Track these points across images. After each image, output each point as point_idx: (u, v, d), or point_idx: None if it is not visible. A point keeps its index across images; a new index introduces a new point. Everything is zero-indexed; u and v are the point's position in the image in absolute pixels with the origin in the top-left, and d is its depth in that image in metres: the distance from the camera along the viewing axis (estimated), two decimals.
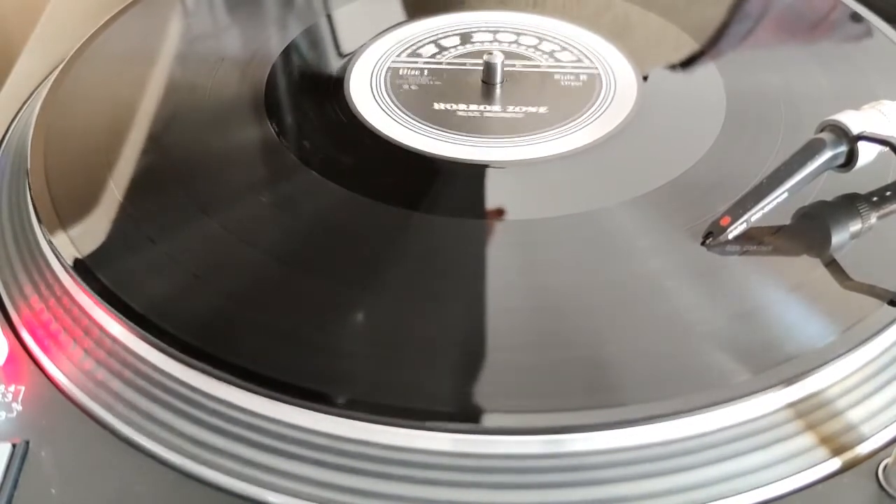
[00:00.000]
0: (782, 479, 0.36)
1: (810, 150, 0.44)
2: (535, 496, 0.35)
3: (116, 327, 0.40)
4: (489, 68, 0.54)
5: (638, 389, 0.37)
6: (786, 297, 0.41)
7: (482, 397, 0.37)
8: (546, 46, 0.58)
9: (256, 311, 0.41)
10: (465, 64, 0.56)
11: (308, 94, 0.55)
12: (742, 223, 0.43)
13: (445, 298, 0.41)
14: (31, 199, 0.46)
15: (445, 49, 0.58)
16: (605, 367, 0.38)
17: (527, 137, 0.50)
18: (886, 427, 0.38)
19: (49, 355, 0.41)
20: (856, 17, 0.60)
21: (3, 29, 0.80)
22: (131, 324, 0.39)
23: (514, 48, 0.58)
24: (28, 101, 0.56)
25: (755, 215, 0.43)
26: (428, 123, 0.51)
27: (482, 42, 0.58)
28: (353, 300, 0.41)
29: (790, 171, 0.43)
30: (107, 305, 0.40)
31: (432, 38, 0.59)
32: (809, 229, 0.44)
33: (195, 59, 0.57)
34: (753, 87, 0.53)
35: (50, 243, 0.44)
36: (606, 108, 0.52)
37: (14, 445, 0.37)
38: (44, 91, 0.54)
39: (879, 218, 0.44)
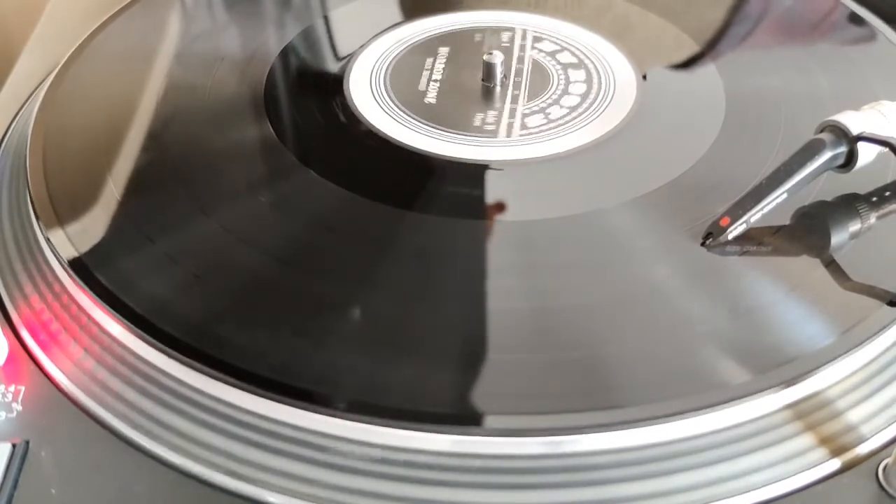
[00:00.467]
0: (782, 479, 0.36)
1: (810, 151, 0.44)
2: (534, 497, 0.35)
3: (116, 327, 0.40)
4: (489, 68, 0.54)
5: (638, 390, 0.37)
6: (785, 297, 0.41)
7: (481, 398, 0.37)
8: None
9: (256, 310, 0.41)
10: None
11: (307, 94, 0.55)
12: (742, 224, 0.43)
13: (445, 299, 0.41)
14: (31, 198, 0.46)
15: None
16: (604, 368, 0.38)
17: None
18: (886, 427, 0.38)
19: (49, 355, 0.41)
20: (855, 18, 0.60)
21: (3, 29, 0.80)
22: (131, 324, 0.39)
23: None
24: (28, 101, 0.56)
25: (755, 216, 0.43)
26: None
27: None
28: (353, 300, 0.41)
29: (790, 172, 0.43)
30: (106, 305, 0.40)
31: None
32: (809, 230, 0.44)
33: (194, 59, 0.57)
34: (753, 87, 0.53)
35: (49, 243, 0.44)
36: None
37: (14, 445, 0.37)
38: (43, 90, 0.54)
39: (879, 218, 0.44)
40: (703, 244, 0.43)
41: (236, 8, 0.63)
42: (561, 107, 0.53)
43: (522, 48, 0.58)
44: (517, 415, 0.36)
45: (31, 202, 0.46)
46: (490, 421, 0.36)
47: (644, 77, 0.55)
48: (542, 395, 0.37)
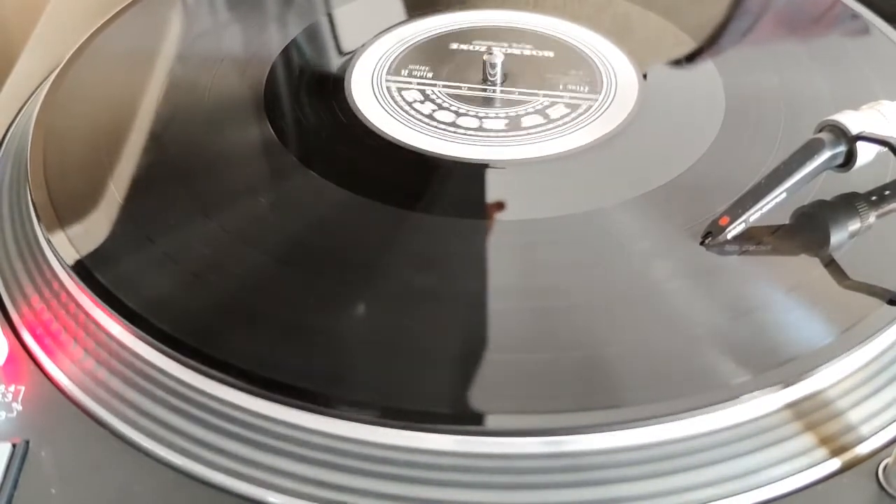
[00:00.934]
0: (782, 479, 0.36)
1: (809, 150, 0.44)
2: (535, 496, 0.35)
3: (116, 327, 0.40)
4: (489, 67, 0.54)
5: (638, 390, 0.37)
6: (785, 296, 0.41)
7: (482, 398, 0.37)
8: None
9: (256, 310, 0.41)
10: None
11: (308, 94, 0.55)
12: (741, 223, 0.43)
13: (445, 298, 0.41)
14: (31, 198, 0.46)
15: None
16: (604, 368, 0.38)
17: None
18: (886, 427, 0.38)
19: (49, 355, 0.41)
20: (855, 17, 0.60)
21: (3, 29, 0.80)
22: (131, 324, 0.39)
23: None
24: (28, 101, 0.56)
25: (754, 215, 0.43)
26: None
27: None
28: (354, 300, 0.41)
29: (789, 171, 0.43)
30: (106, 305, 0.40)
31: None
32: (808, 229, 0.44)
33: (195, 59, 0.57)
34: (753, 87, 0.53)
35: (50, 243, 0.44)
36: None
37: (14, 445, 0.37)
38: (44, 91, 0.54)
39: (878, 217, 0.44)
40: (702, 243, 0.43)
41: (237, 7, 0.63)
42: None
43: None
44: (517, 414, 0.36)
45: (32, 202, 0.46)
46: (490, 420, 0.36)
47: (644, 76, 0.55)
48: (542, 395, 0.37)
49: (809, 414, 0.37)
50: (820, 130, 0.45)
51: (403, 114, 0.52)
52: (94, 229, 0.45)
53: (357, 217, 0.45)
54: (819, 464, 0.36)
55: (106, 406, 0.39)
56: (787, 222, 0.44)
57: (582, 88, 0.54)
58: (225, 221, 0.45)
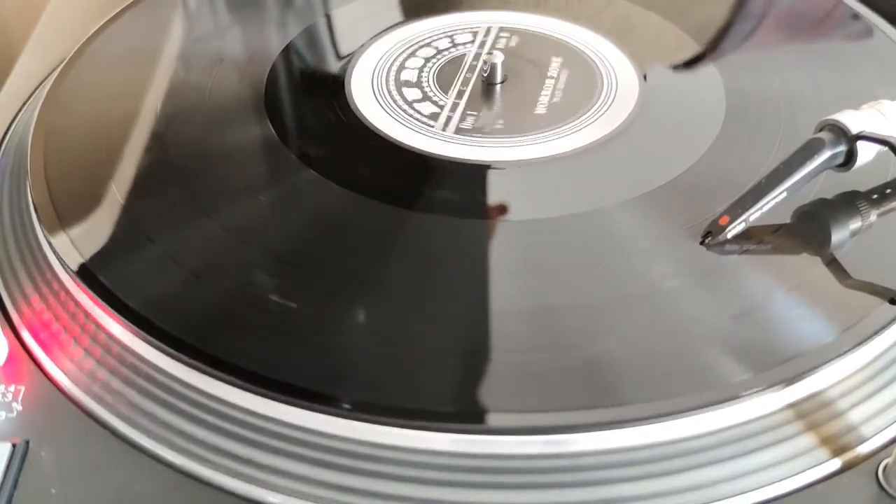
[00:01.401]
0: (782, 479, 0.36)
1: (809, 150, 0.44)
2: (535, 496, 0.35)
3: (117, 327, 0.40)
4: (490, 68, 0.54)
5: (638, 389, 0.37)
6: (786, 296, 0.41)
7: (482, 397, 0.37)
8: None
9: (256, 311, 0.41)
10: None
11: (308, 94, 0.55)
12: (741, 222, 0.43)
13: (446, 298, 0.41)
14: (32, 198, 0.46)
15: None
16: (605, 367, 0.38)
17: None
18: (886, 427, 0.38)
19: (49, 355, 0.41)
20: (856, 17, 0.60)
21: (3, 29, 0.80)
22: (131, 324, 0.39)
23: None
24: (28, 101, 0.56)
25: (754, 214, 0.43)
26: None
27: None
28: (354, 300, 0.41)
29: (789, 171, 0.43)
30: (107, 305, 0.40)
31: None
32: (809, 228, 0.44)
33: (195, 59, 0.57)
34: (753, 86, 0.53)
35: (50, 243, 0.44)
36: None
37: (14, 445, 0.37)
38: (44, 91, 0.54)
39: (879, 216, 0.44)
40: (702, 243, 0.43)
41: (237, 8, 0.63)
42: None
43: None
44: (517, 413, 0.36)
45: (32, 202, 0.46)
46: (490, 420, 0.36)
47: (645, 77, 0.55)
48: (542, 394, 0.37)
49: (810, 414, 0.37)
50: (820, 130, 0.45)
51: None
52: (95, 229, 0.45)
53: (357, 217, 0.45)
54: (819, 464, 0.36)
55: (106, 406, 0.39)
56: (787, 221, 0.44)
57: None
58: (225, 221, 0.45)
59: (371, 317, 0.41)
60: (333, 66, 0.57)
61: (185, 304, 0.41)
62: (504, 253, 0.44)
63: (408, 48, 0.58)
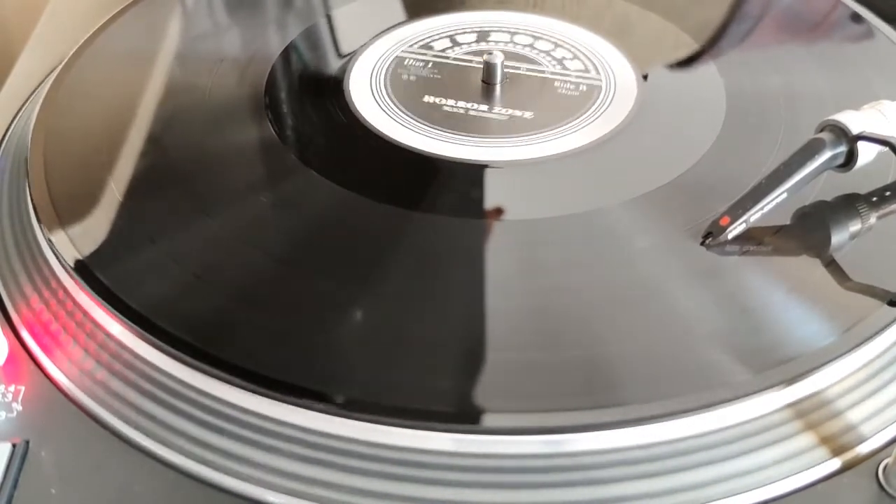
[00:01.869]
0: (782, 479, 0.36)
1: (810, 150, 0.44)
2: (534, 496, 0.35)
3: (116, 327, 0.40)
4: (489, 68, 0.54)
5: (638, 389, 0.37)
6: (786, 297, 0.41)
7: (482, 397, 0.37)
8: (545, 46, 0.58)
9: (256, 310, 0.41)
10: (464, 64, 0.56)
11: (308, 94, 0.55)
12: (741, 223, 0.43)
13: (445, 298, 0.41)
14: (31, 198, 0.46)
15: (445, 49, 0.58)
16: (605, 367, 0.38)
17: (526, 137, 0.50)
18: (886, 427, 0.38)
19: (49, 355, 0.41)
20: (856, 18, 0.60)
21: (3, 29, 0.80)
22: (131, 324, 0.39)
23: (512, 47, 0.58)
24: (28, 101, 0.56)
25: (755, 215, 0.43)
26: (428, 123, 0.51)
27: (482, 42, 0.58)
28: (353, 300, 0.41)
29: (790, 171, 0.43)
30: (107, 305, 0.40)
31: (432, 38, 0.59)
32: (809, 229, 0.44)
33: (195, 59, 0.57)
34: (753, 87, 0.53)
35: (50, 243, 0.44)
36: (606, 108, 0.52)
37: (14, 445, 0.37)
38: (44, 91, 0.54)
39: (879, 218, 0.44)
40: (702, 244, 0.43)
41: (237, 8, 0.63)
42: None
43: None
44: (517, 413, 0.36)
45: (32, 202, 0.46)
46: (490, 420, 0.36)
47: (644, 77, 0.55)
48: (542, 394, 0.37)
49: (810, 413, 0.37)
50: (821, 130, 0.45)
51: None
52: (94, 229, 0.45)
53: (357, 216, 0.45)
54: (819, 463, 0.36)
55: (106, 406, 0.39)
56: (787, 223, 0.44)
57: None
58: (225, 221, 0.45)
59: (371, 317, 0.41)
60: (333, 66, 0.57)
61: (184, 304, 0.41)
62: (503, 253, 0.44)
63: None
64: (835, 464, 0.36)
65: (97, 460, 0.37)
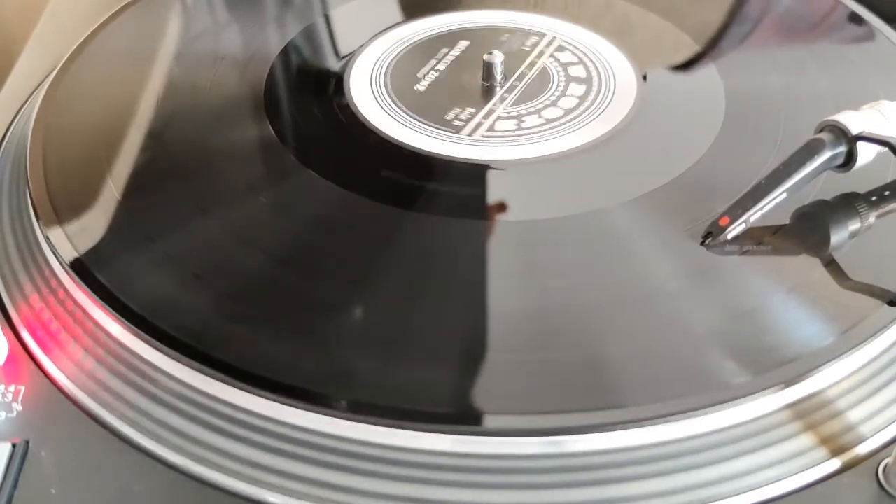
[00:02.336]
0: (782, 479, 0.36)
1: (809, 151, 0.44)
2: (534, 496, 0.35)
3: (116, 327, 0.40)
4: (489, 68, 0.54)
5: (638, 390, 0.37)
6: (785, 297, 0.41)
7: (482, 398, 0.37)
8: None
9: (256, 311, 0.41)
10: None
11: (307, 94, 0.55)
12: (741, 223, 0.43)
13: (445, 298, 0.41)
14: (31, 198, 0.46)
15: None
16: (604, 368, 0.38)
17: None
18: (886, 427, 0.38)
19: (49, 355, 0.41)
20: (855, 18, 0.60)
21: (3, 29, 0.80)
22: (130, 323, 0.39)
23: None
24: (28, 101, 0.56)
25: (754, 215, 0.43)
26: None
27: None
28: (353, 300, 0.41)
29: (789, 172, 0.43)
30: (106, 305, 0.40)
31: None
32: (808, 229, 0.44)
33: (194, 59, 0.57)
34: (753, 87, 0.53)
35: (49, 242, 0.44)
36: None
37: (14, 445, 0.37)
38: (43, 90, 0.54)
39: (879, 217, 0.44)
40: (702, 244, 0.43)
41: (237, 7, 0.63)
42: (560, 107, 0.53)
43: (522, 48, 0.58)
44: (517, 414, 0.36)
45: (31, 202, 0.46)
46: (490, 421, 0.36)
47: (644, 77, 0.55)
48: (542, 395, 0.37)
49: (809, 414, 0.37)
50: (820, 130, 0.45)
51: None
52: (94, 228, 0.45)
53: (357, 216, 0.45)
54: (819, 464, 0.36)
55: (106, 406, 0.39)
56: (787, 222, 0.44)
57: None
58: (224, 220, 0.45)
59: (370, 317, 0.41)
60: (333, 65, 0.57)
61: (184, 304, 0.41)
62: (503, 253, 0.44)
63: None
64: (835, 464, 0.36)
65: (97, 460, 0.37)
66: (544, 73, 0.55)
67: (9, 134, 0.54)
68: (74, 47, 0.57)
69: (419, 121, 0.51)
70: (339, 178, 0.47)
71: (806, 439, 0.37)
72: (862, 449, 0.37)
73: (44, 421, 0.38)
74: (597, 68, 0.56)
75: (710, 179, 0.47)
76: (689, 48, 0.58)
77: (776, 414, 0.37)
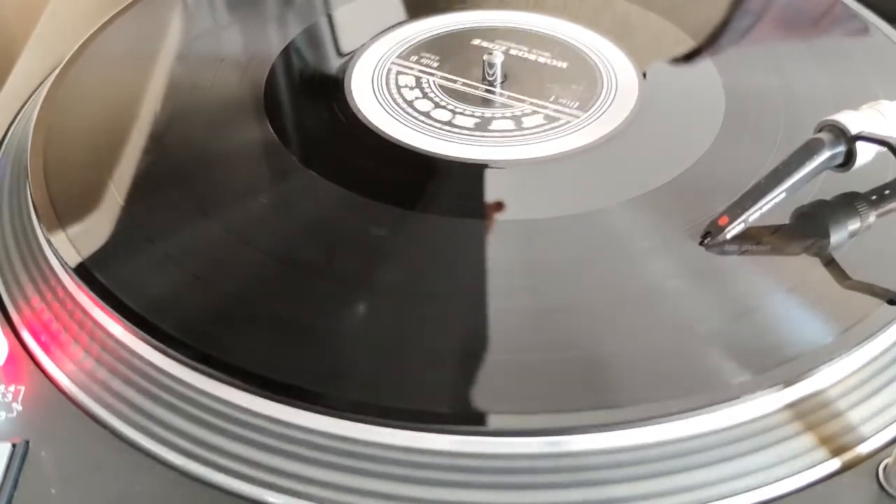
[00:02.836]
0: (782, 479, 0.36)
1: (809, 150, 0.44)
2: (534, 496, 0.35)
3: (116, 327, 0.40)
4: (489, 68, 0.54)
5: (637, 390, 0.37)
6: (785, 296, 0.41)
7: (482, 398, 0.37)
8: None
9: (256, 311, 0.41)
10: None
11: (308, 94, 0.55)
12: (740, 223, 0.43)
13: (445, 299, 0.41)
14: (32, 198, 0.46)
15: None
16: (604, 368, 0.38)
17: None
18: (886, 427, 0.38)
19: (49, 355, 0.41)
20: (855, 17, 0.60)
21: (3, 29, 0.80)
22: (131, 324, 0.39)
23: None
24: (28, 101, 0.56)
25: (754, 215, 0.43)
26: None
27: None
28: (354, 300, 0.41)
29: (788, 171, 0.43)
30: (107, 306, 0.40)
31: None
32: (808, 228, 0.44)
33: (195, 59, 0.57)
34: (752, 87, 0.53)
35: (50, 243, 0.44)
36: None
37: (14, 445, 0.37)
38: (44, 91, 0.54)
39: (878, 216, 0.44)
40: (701, 243, 0.43)
41: (237, 8, 0.63)
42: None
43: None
44: (517, 414, 0.36)
45: (32, 202, 0.46)
46: (490, 420, 0.36)
47: (644, 76, 0.55)
48: (541, 395, 0.37)
49: (809, 414, 0.37)
50: (819, 130, 0.45)
51: (403, 113, 0.52)
52: (95, 229, 0.45)
53: (357, 217, 0.45)
54: (819, 464, 0.36)
55: (106, 406, 0.39)
56: (786, 222, 0.44)
57: (582, 89, 0.54)
58: (225, 221, 0.45)
59: (370, 317, 0.41)
60: (333, 65, 0.57)
61: (184, 305, 0.41)
62: (503, 253, 0.44)
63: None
64: (835, 464, 0.36)
65: (97, 460, 0.37)
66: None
67: (9, 134, 0.54)
68: (76, 48, 0.57)
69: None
70: (339, 178, 0.47)
71: (806, 439, 0.37)
72: (862, 449, 0.37)
73: (44, 421, 0.38)
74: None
75: (709, 179, 0.47)
76: (689, 47, 0.58)
77: (776, 414, 0.37)
